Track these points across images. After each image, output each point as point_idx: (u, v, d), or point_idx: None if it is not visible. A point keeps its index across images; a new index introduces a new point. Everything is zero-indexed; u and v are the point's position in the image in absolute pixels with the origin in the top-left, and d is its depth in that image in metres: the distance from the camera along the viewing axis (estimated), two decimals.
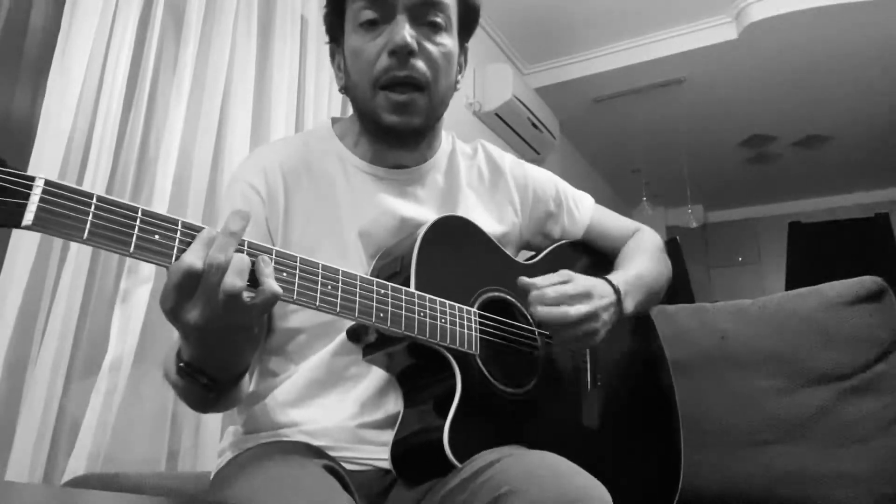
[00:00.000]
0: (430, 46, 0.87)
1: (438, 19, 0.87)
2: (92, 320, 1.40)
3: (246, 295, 0.60)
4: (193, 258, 0.59)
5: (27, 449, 1.19)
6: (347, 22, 0.91)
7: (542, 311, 0.82)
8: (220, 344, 0.65)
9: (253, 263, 0.62)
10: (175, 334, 0.68)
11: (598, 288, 0.88)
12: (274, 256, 0.65)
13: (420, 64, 0.86)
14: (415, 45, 0.84)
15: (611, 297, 0.89)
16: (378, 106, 0.87)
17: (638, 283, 0.98)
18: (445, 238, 0.86)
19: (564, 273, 0.88)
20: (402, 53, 0.84)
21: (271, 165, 0.91)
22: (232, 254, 0.60)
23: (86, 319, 1.38)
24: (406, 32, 0.84)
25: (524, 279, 0.86)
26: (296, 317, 0.88)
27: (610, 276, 0.94)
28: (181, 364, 0.68)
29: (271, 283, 0.62)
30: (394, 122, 0.87)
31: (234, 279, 0.59)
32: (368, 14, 0.86)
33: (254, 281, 0.62)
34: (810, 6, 3.12)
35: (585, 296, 0.85)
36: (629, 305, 0.93)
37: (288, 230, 0.89)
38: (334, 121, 1.01)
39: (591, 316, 0.84)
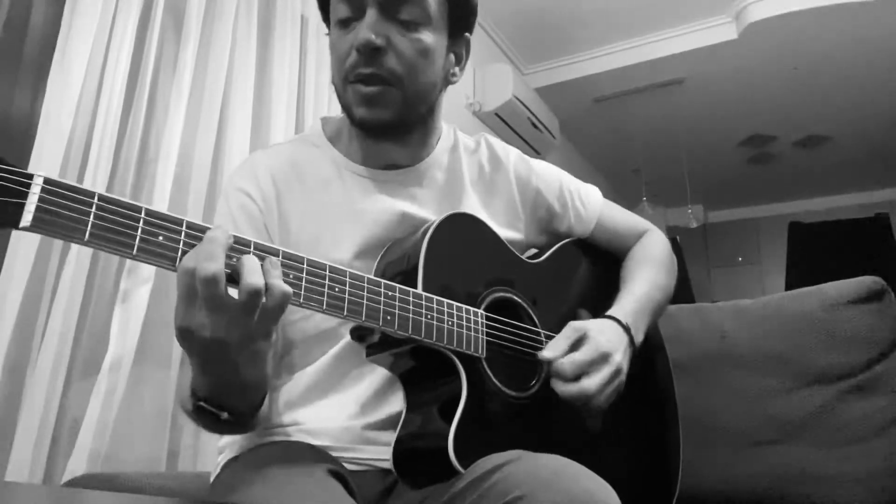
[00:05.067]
0: (401, 42, 0.84)
1: (413, 14, 0.85)
2: (92, 320, 1.40)
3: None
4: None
5: (27, 449, 1.19)
6: (330, 19, 0.90)
7: (562, 388, 0.81)
8: (238, 359, 0.60)
9: (261, 266, 0.60)
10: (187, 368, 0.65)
11: (612, 338, 0.86)
12: (281, 258, 0.63)
13: (388, 61, 0.84)
14: (379, 42, 0.82)
15: (624, 340, 0.88)
16: (349, 100, 0.87)
17: (645, 307, 0.96)
18: (453, 237, 0.85)
19: (577, 327, 0.85)
20: (366, 51, 0.83)
21: (262, 172, 0.90)
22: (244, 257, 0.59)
23: (86, 319, 1.38)
24: (369, 30, 0.82)
25: (542, 355, 0.83)
26: (295, 328, 0.87)
27: (616, 312, 0.91)
28: (200, 403, 0.64)
29: (281, 284, 0.60)
30: (363, 116, 0.86)
31: (256, 278, 0.58)
32: (342, 11, 0.86)
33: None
34: (810, 6, 3.12)
35: (603, 358, 0.82)
36: (639, 337, 0.92)
37: (283, 236, 0.88)
38: (324, 122, 1.00)
39: (615, 374, 0.83)
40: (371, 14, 0.83)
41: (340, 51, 0.86)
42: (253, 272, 0.58)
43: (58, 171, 1.31)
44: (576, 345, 0.83)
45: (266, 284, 0.59)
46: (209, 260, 0.56)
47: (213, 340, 0.58)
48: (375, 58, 0.83)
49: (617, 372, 0.83)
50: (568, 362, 0.80)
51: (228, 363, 0.60)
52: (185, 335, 0.58)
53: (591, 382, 0.80)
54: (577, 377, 0.80)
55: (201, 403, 0.64)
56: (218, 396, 0.64)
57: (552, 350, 0.82)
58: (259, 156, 0.96)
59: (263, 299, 0.59)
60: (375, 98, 0.85)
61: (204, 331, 0.57)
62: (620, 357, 0.85)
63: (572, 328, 0.85)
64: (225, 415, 0.64)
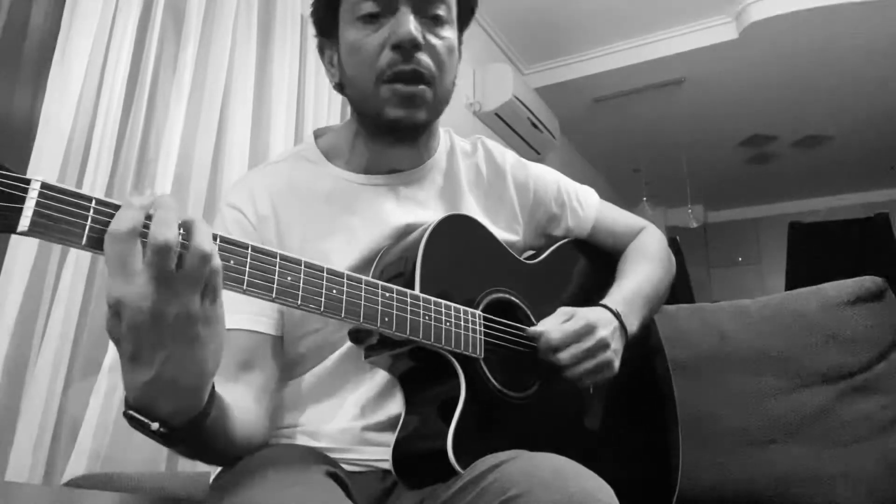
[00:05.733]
0: (433, 40, 0.84)
1: (441, 12, 0.85)
2: (92, 320, 1.39)
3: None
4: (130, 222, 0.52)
5: (27, 449, 1.19)
6: (343, 15, 0.88)
7: (552, 357, 0.84)
8: (174, 344, 0.54)
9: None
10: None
11: (601, 317, 0.87)
12: (278, 260, 0.63)
13: (425, 58, 0.83)
14: (420, 39, 0.82)
15: (613, 322, 0.89)
16: (382, 100, 0.84)
17: (637, 298, 0.97)
18: (450, 238, 0.85)
19: (565, 310, 0.88)
20: (407, 48, 0.81)
21: (259, 190, 0.89)
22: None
23: (86, 319, 1.38)
24: (412, 26, 0.81)
25: (531, 331, 0.86)
26: (307, 340, 0.87)
27: (606, 301, 0.93)
28: (129, 412, 0.57)
29: (218, 261, 0.55)
30: (399, 116, 0.84)
31: (207, 245, 0.53)
32: (369, 7, 0.83)
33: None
34: (810, 6, 3.12)
35: (589, 330, 0.84)
36: (633, 325, 0.92)
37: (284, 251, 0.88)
38: (318, 134, 0.99)
39: (601, 346, 0.84)
40: (406, 10, 0.82)
41: (369, 49, 0.83)
42: (205, 239, 0.54)
43: (58, 171, 1.31)
44: (565, 322, 0.86)
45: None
46: (164, 225, 0.52)
47: (150, 314, 0.52)
48: (413, 55, 0.82)
49: (603, 345, 0.85)
50: (556, 331, 0.83)
51: (162, 348, 0.54)
52: (119, 309, 0.52)
53: (578, 347, 0.83)
54: (565, 346, 0.83)
55: (130, 412, 0.57)
56: (148, 397, 0.56)
57: (543, 325, 0.86)
58: (255, 174, 0.94)
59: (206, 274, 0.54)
60: (414, 99, 0.84)
61: (143, 302, 0.52)
62: (607, 333, 0.86)
63: (562, 311, 0.88)
64: (155, 425, 0.56)
